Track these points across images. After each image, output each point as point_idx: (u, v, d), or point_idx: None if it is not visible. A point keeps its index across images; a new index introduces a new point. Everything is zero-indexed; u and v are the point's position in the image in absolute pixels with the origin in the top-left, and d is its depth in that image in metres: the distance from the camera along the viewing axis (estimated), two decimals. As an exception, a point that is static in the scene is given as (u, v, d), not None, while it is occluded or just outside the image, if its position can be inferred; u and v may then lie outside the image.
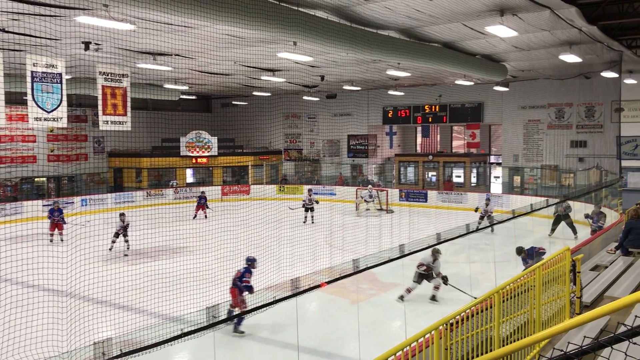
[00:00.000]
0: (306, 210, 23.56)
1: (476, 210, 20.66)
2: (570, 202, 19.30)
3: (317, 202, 23.89)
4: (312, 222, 23.32)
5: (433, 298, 12.29)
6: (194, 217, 24.71)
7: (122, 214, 18.24)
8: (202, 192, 25.95)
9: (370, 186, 26.34)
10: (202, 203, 25.13)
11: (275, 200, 26.73)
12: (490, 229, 18.63)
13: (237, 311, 10.15)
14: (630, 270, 8.80)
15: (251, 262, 10.87)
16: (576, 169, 26.35)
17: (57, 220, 19.33)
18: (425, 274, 12.29)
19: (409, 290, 12.14)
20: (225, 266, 12.20)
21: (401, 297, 12.16)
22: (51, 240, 18.71)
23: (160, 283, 11.73)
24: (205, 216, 24.80)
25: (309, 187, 27.35)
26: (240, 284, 10.49)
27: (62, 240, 18.72)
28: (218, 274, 12.14)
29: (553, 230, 18.99)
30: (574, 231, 18.49)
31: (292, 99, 33.49)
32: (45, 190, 28.83)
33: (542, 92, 26.89)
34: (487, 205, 20.36)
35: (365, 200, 25.40)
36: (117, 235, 17.68)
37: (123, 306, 11.25)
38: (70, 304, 9.48)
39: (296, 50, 15.38)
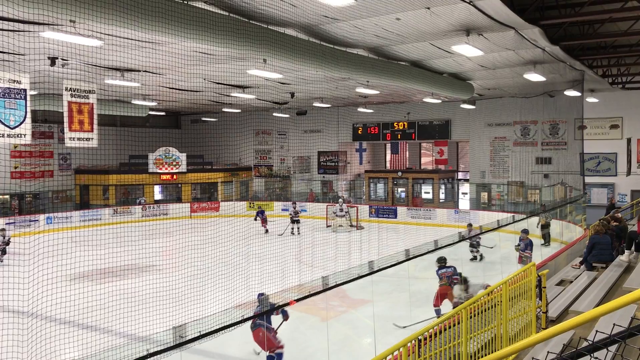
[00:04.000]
0: (292, 222, 24.45)
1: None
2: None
3: (299, 212, 25.29)
4: (298, 234, 24.13)
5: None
6: (265, 232, 24.82)
7: (2, 229, 18.78)
8: (260, 207, 26.87)
9: (340, 200, 26.44)
10: (263, 217, 25.57)
11: (246, 217, 26.56)
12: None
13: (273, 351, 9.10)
14: (594, 284, 8.97)
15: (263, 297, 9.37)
16: (542, 185, 26.85)
17: None
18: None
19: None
20: (193, 284, 12.05)
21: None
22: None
23: (126, 302, 11.49)
24: (266, 230, 25.20)
25: (293, 201, 28.50)
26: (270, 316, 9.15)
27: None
28: (186, 293, 11.98)
29: (544, 237, 19.46)
30: (549, 240, 19.51)
31: (262, 116, 33.51)
32: (8, 207, 28.10)
33: (507, 110, 27.38)
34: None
35: (337, 216, 25.46)
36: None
37: (88, 326, 10.99)
38: (32, 325, 9.21)
39: (266, 67, 15.41)
